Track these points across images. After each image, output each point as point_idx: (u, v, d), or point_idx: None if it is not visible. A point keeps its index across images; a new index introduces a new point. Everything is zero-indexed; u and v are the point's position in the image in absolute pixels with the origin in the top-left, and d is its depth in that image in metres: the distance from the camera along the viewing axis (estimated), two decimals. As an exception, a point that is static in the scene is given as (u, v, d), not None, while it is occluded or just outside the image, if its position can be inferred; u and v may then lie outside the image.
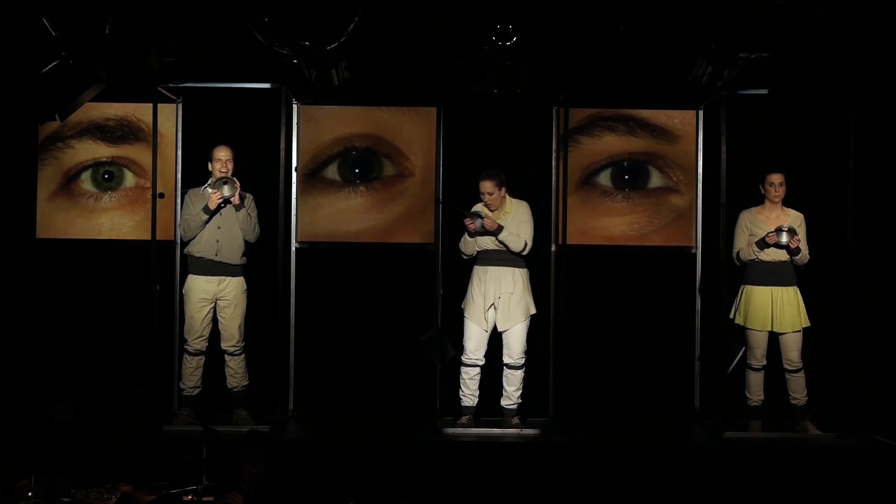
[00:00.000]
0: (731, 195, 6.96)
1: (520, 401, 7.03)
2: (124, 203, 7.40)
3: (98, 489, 5.14)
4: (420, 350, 6.84)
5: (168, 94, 7.15)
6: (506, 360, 7.01)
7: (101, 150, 7.40)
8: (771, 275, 6.95)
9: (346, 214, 7.49)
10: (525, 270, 7.01)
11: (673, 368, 7.56)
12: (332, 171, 7.50)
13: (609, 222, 7.52)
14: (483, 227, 6.84)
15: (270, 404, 7.08)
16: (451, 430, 6.88)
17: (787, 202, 7.05)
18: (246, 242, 6.94)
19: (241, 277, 6.96)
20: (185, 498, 5.08)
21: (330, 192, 7.50)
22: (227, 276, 6.89)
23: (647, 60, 6.87)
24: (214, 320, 6.93)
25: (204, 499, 5.04)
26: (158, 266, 6.83)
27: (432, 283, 7.01)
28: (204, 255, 6.86)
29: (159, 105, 6.95)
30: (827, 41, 6.42)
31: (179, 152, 7.31)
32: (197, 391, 6.92)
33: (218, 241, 6.85)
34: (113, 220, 7.40)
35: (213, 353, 6.96)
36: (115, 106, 7.35)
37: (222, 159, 6.86)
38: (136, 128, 7.40)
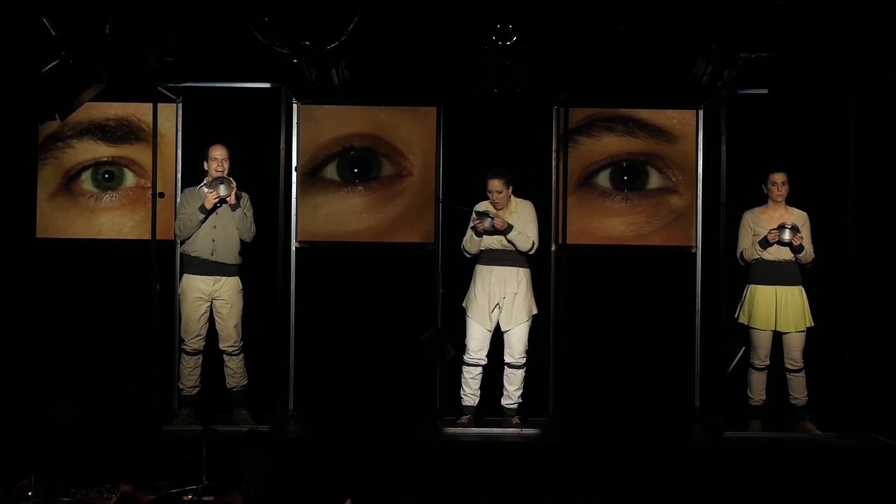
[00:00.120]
0: (731, 195, 6.96)
1: (520, 400, 7.04)
2: (124, 203, 7.40)
3: (98, 489, 5.13)
4: (420, 350, 6.84)
5: (168, 94, 7.15)
6: (507, 359, 7.02)
7: (101, 150, 7.40)
8: (775, 274, 6.95)
9: (345, 214, 7.49)
10: (528, 270, 7.01)
11: (673, 368, 7.56)
12: (330, 171, 7.50)
13: (608, 223, 7.53)
14: (493, 226, 6.84)
15: (270, 404, 7.08)
16: (451, 430, 6.88)
17: (788, 202, 7.05)
18: (242, 242, 6.93)
19: (237, 277, 6.95)
20: (185, 498, 5.07)
21: (329, 191, 7.50)
22: (222, 275, 6.87)
23: (646, 60, 6.88)
24: (212, 320, 6.93)
25: (204, 499, 5.03)
26: (158, 266, 6.82)
27: (432, 282, 7.01)
28: (200, 255, 6.85)
29: (159, 105, 6.94)
30: (827, 41, 6.42)
31: (179, 152, 7.32)
32: (196, 391, 6.91)
33: (214, 241, 6.84)
34: (113, 220, 7.40)
35: (213, 353, 6.96)
36: (115, 106, 7.35)
37: (218, 158, 6.86)
38: (137, 127, 7.40)
